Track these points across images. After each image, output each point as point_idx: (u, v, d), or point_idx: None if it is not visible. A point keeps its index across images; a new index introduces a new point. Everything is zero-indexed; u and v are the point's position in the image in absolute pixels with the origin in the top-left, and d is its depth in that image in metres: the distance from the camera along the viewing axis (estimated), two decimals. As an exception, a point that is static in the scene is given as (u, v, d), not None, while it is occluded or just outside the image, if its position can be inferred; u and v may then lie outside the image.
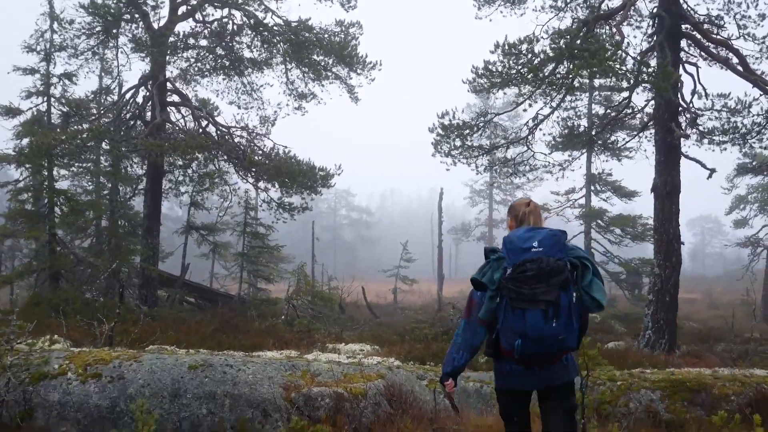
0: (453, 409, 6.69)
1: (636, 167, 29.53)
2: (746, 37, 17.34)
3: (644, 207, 27.74)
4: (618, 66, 14.01)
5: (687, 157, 16.97)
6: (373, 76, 21.20)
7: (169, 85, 21.60)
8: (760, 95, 16.82)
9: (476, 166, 19.35)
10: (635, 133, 19.70)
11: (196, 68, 22.28)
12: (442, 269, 42.44)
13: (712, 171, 16.88)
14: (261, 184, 22.10)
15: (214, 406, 7.01)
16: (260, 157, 20.16)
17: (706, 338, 18.59)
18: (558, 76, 14.70)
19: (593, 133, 19.89)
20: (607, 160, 28.22)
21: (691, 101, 17.07)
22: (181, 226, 25.43)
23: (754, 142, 18.33)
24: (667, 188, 15.97)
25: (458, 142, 18.16)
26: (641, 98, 18.67)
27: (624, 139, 22.53)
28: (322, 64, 21.26)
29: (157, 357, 7.76)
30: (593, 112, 26.66)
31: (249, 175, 20.86)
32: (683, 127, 15.70)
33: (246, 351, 13.66)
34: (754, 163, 36.99)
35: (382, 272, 41.91)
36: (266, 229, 24.63)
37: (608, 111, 19.81)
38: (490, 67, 15.33)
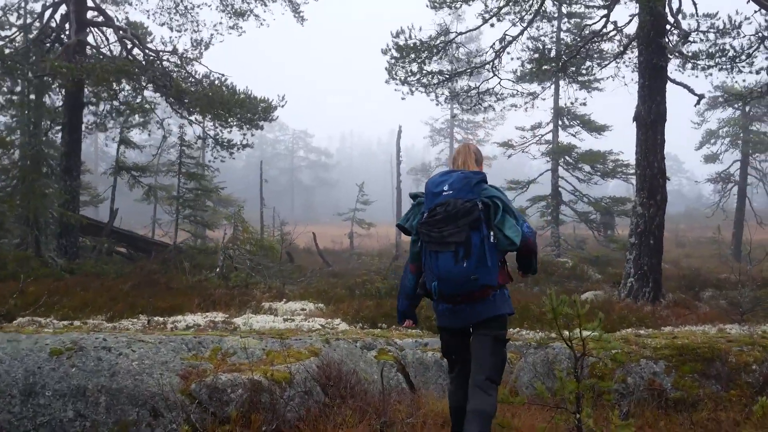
0: (409, 388, 6.53)
1: (606, 99, 27.67)
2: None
3: (615, 142, 25.92)
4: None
5: (674, 81, 14.99)
6: (320, -12, 18.73)
7: (90, 2, 18.88)
8: (754, 12, 14.76)
9: (436, 95, 17.22)
10: (613, 57, 17.55)
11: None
12: (401, 211, 40.39)
13: (701, 97, 14.99)
14: (195, 118, 19.65)
15: (84, 405, 4.91)
16: (190, 85, 17.60)
17: (690, 284, 16.86)
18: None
19: (564, 58, 17.71)
20: (577, 91, 26.10)
21: (675, 20, 14.99)
22: (110, 167, 22.91)
23: (744, 66, 16.36)
24: (651, 116, 14.00)
25: (415, 67, 15.94)
26: (622, 16, 16.48)
27: (595, 68, 20.49)
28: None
29: (9, 338, 5.58)
30: (562, 41, 24.41)
31: (180, 106, 18.33)
32: (673, 49, 13.62)
33: (163, 314, 11.58)
34: (724, 96, 35.53)
35: (338, 216, 39.74)
36: (203, 168, 22.13)
37: (584, 32, 17.57)
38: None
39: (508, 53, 16.50)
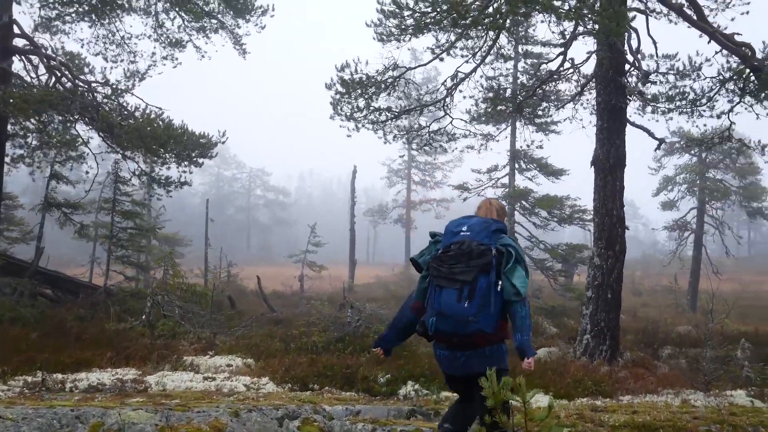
0: None
1: (563, 142, 27.03)
2: (702, -16, 14.62)
3: (572, 187, 25.18)
4: (560, 4, 10.95)
5: (633, 124, 14.22)
6: (264, 23, 17.66)
7: (17, 29, 17.60)
8: (714, 54, 14.08)
9: (384, 133, 16.18)
10: (570, 98, 16.76)
11: (55, 11, 18.22)
12: (354, 254, 39.30)
13: (662, 141, 14.24)
14: (131, 153, 18.35)
15: None
16: (122, 118, 16.31)
17: (649, 340, 15.90)
18: (486, 14, 11.54)
19: (520, 98, 16.89)
20: (533, 134, 25.36)
21: (635, 59, 14.26)
22: (39, 202, 21.43)
23: (704, 110, 15.68)
24: (610, 160, 13.15)
25: (362, 103, 14.95)
26: (580, 55, 15.70)
27: (552, 109, 19.76)
28: (205, 7, 17.51)
29: None
30: (519, 80, 23.70)
31: (112, 140, 17.02)
32: (633, 89, 12.81)
33: (66, 370, 10.19)
34: (682, 142, 35.28)
35: (288, 258, 38.41)
36: (142, 206, 20.75)
37: (540, 71, 16.78)
38: (400, 2, 12.15)
39: (461, 91, 15.65)
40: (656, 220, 77.65)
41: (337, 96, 14.44)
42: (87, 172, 19.39)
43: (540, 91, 17.31)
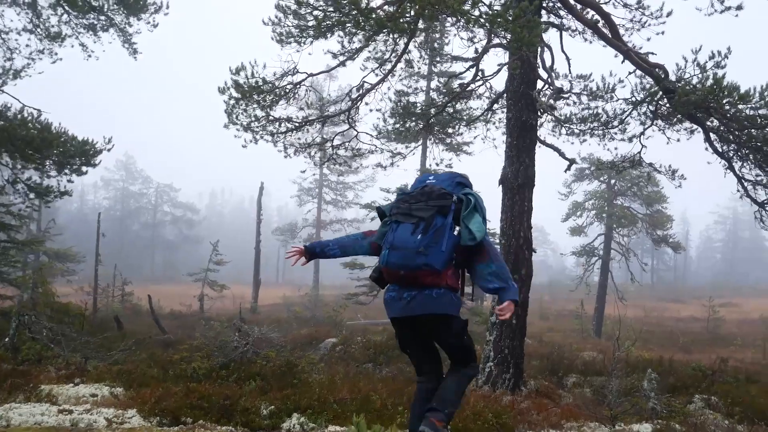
0: None
1: (475, 164, 26.54)
2: (616, 3, 14.23)
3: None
4: (470, 8, 10.18)
5: (544, 143, 13.62)
6: (156, 20, 16.36)
7: None
8: (628, 74, 13.65)
9: (284, 146, 15.13)
10: (481, 112, 16.09)
11: None
12: (259, 274, 37.86)
13: (572, 161, 13.64)
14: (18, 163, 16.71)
15: None
16: None
17: (554, 367, 15.27)
18: (391, 15, 10.67)
19: (431, 113, 16.12)
20: (443, 152, 24.65)
21: (549, 75, 13.71)
22: None
23: (616, 133, 15.29)
24: (519, 179, 12.44)
25: (259, 112, 13.88)
26: (493, 69, 15.05)
27: (463, 128, 19.11)
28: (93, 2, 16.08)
29: None
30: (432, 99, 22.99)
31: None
32: (544, 103, 12.17)
33: None
34: (591, 169, 35.50)
35: (188, 276, 36.71)
36: (16, 218, 18.96)
37: (451, 85, 16.04)
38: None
39: (367, 104, 14.75)
40: (565, 246, 78.88)
41: (232, 102, 13.33)
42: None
43: (451, 109, 16.63)
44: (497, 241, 13.27)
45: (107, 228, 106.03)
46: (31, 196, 17.42)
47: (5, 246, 18.70)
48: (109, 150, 16.86)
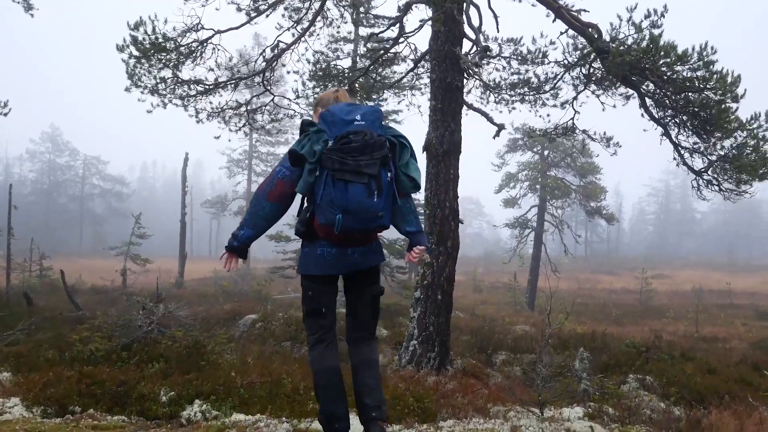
0: None
1: (404, 132, 25.62)
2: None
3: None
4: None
5: (471, 107, 12.86)
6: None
7: None
8: (560, 34, 12.94)
9: (196, 111, 14.05)
10: (403, 76, 15.21)
11: None
12: (185, 247, 36.53)
13: (501, 127, 12.86)
14: None
15: None
16: None
17: (483, 344, 14.61)
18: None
19: (356, 78, 15.18)
20: None
21: (477, 36, 12.90)
22: None
23: (548, 99, 14.66)
24: (444, 146, 11.62)
25: (165, 72, 12.76)
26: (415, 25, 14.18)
27: (390, 95, 18.24)
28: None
29: None
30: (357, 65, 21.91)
31: None
32: (469, 61, 11.31)
33: None
34: (525, 140, 35.13)
35: (110, 250, 35.15)
36: None
37: (372, 44, 15.06)
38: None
39: (284, 66, 13.73)
40: (500, 218, 79.15)
41: (133, 62, 12.16)
42: None
43: (375, 75, 15.74)
44: (421, 211, 12.50)
45: (33, 201, 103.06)
46: None
47: None
48: (5, 115, 15.51)
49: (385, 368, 11.59)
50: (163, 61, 12.11)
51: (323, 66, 14.56)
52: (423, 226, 11.92)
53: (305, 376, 9.05)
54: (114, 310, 20.57)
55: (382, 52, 14.63)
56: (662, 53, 10.75)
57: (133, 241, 32.99)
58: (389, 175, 4.08)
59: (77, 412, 7.49)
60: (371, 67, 14.92)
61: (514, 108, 15.15)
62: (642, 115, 13.00)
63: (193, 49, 12.23)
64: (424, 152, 11.89)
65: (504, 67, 14.52)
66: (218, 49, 12.58)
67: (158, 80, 12.77)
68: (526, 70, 14.33)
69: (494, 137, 13.19)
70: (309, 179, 4.03)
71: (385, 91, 17.00)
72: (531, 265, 34.84)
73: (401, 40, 13.42)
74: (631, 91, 13.20)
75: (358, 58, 20.89)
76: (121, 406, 7.76)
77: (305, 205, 4.23)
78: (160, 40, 11.62)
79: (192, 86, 13.08)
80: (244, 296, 27.51)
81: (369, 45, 15.61)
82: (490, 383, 11.38)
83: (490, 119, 12.63)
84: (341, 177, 3.94)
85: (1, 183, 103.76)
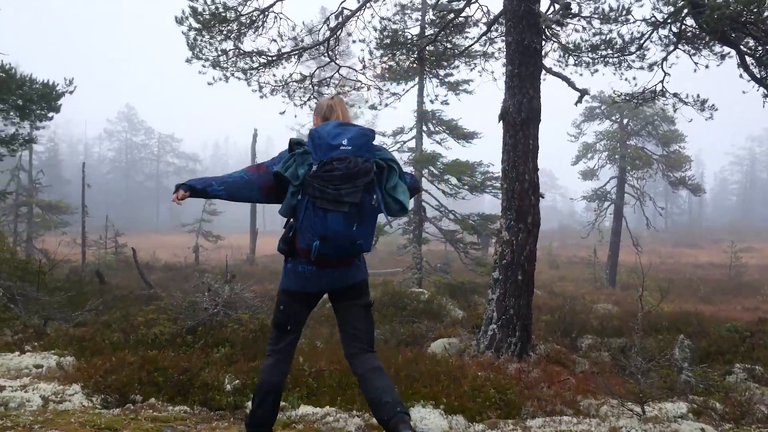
0: None
1: (476, 103, 24.63)
2: None
3: (485, 152, 22.92)
4: None
5: (550, 71, 11.87)
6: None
7: None
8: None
9: (259, 85, 13.43)
10: (475, 40, 14.22)
11: None
12: (256, 224, 36.34)
13: (584, 92, 11.90)
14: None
15: None
16: None
17: (566, 327, 13.68)
18: None
19: (424, 42, 14.33)
20: (437, 87, 22.56)
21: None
22: None
23: (634, 60, 13.53)
24: (522, 113, 10.69)
25: (228, 44, 12.17)
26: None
27: (461, 63, 17.29)
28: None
29: None
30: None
31: None
32: (549, 19, 10.32)
33: None
34: (603, 108, 33.64)
35: (182, 227, 35.30)
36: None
37: (442, 9, 14.11)
38: None
39: (350, 34, 12.99)
40: (575, 190, 77.12)
41: (193, 34, 11.60)
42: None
43: (446, 41, 14.85)
44: (499, 185, 11.63)
45: (112, 179, 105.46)
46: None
47: (-32, 198, 17.22)
48: (71, 92, 15.28)
49: (462, 354, 10.83)
50: (224, 32, 11.48)
51: (390, 33, 13.71)
52: (501, 200, 11.15)
53: (377, 364, 8.39)
54: (185, 287, 20.38)
55: (452, 16, 13.73)
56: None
57: (204, 218, 33.02)
58: (375, 198, 4.04)
59: (138, 402, 6.99)
60: (441, 33, 14.03)
61: (596, 71, 14.07)
62: (740, 75, 11.80)
63: (254, 18, 11.58)
64: (500, 121, 10.99)
65: (584, 28, 13.46)
66: (280, 18, 11.90)
67: (219, 52, 12.20)
68: (609, 30, 13.24)
69: (576, 103, 12.23)
70: (292, 202, 4.06)
71: (455, 59, 16.10)
72: (611, 239, 33.38)
73: (472, 1, 12.46)
74: (727, 50, 12.01)
75: (426, 24, 19.97)
76: (183, 396, 7.22)
77: (290, 222, 4.18)
78: (220, 9, 10.98)
79: (254, 58, 12.47)
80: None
81: (437, 10, 14.73)
82: (576, 371, 10.54)
83: (571, 84, 11.66)
84: (321, 205, 3.91)
85: (81, 163, 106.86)
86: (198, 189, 4.22)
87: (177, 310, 11.23)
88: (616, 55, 13.51)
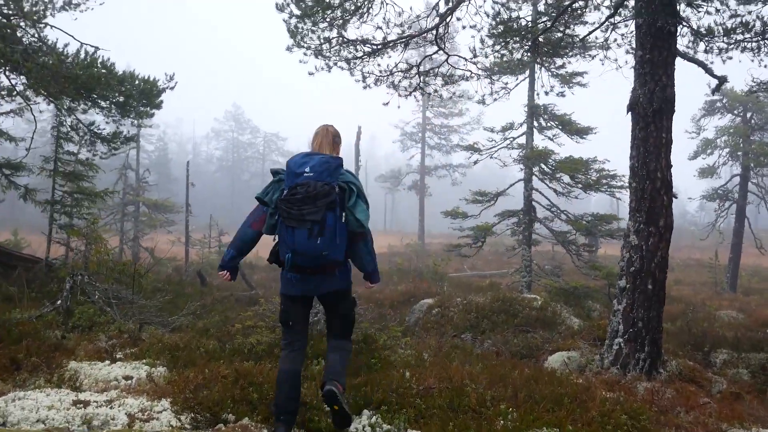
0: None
1: (591, 96, 23.35)
2: None
3: (598, 148, 21.65)
4: None
5: (684, 56, 10.68)
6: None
7: None
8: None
9: (363, 75, 12.78)
10: (602, 22, 13.06)
11: None
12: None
13: (723, 80, 10.69)
14: (67, 103, 15.08)
15: None
16: (27, 53, 12.76)
17: (697, 340, 12.43)
18: None
19: (539, 29, 13.32)
20: (551, 78, 21.31)
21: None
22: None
23: (777, 45, 12.16)
24: (654, 104, 9.60)
25: (331, 32, 11.55)
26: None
27: (577, 52, 16.16)
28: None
29: None
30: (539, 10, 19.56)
31: (31, 83, 13.60)
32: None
33: None
34: (724, 101, 31.63)
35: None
36: (84, 167, 17.35)
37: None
38: None
39: (459, 20, 12.16)
40: (685, 188, 73.60)
41: (294, 21, 11.02)
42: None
43: (563, 28, 13.81)
44: (627, 183, 10.56)
45: (219, 178, 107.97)
46: (97, 143, 15.90)
47: (77, 197, 17.24)
48: (172, 88, 15.05)
49: (584, 370, 9.84)
50: (327, 19, 10.86)
51: (504, 19, 12.78)
52: (630, 201, 10.08)
53: (492, 382, 7.54)
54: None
55: (569, 1, 12.70)
56: None
57: (308, 217, 32.72)
58: (340, 215, 4.85)
59: (230, 422, 6.34)
60: (558, 19, 13.02)
61: (729, 58, 12.76)
62: None
63: (359, 4, 10.88)
64: (629, 112, 9.94)
65: (717, 10, 12.19)
66: (386, 4, 11.18)
67: (322, 40, 11.60)
68: (749, 12, 11.93)
69: (713, 92, 11.03)
70: (271, 221, 5.05)
71: (572, 48, 15.02)
72: (732, 241, 31.19)
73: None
74: None
75: (540, 10, 18.86)
76: None
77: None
78: (327, -3, 10.35)
79: (359, 46, 11.80)
80: (419, 274, 26.33)
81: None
82: (713, 391, 9.39)
83: (709, 70, 10.47)
84: (288, 224, 4.79)
85: (194, 163, 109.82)
86: (230, 267, 5.35)
87: (275, 317, 10.66)
88: (755, 40, 12.19)
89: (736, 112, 32.24)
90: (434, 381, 7.40)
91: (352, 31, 11.66)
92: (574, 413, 6.71)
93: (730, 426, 7.33)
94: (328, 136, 5.43)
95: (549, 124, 22.82)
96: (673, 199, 9.95)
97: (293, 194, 4.77)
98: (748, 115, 31.87)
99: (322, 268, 4.94)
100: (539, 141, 23.05)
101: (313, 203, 4.69)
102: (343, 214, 4.84)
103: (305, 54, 11.67)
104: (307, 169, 4.85)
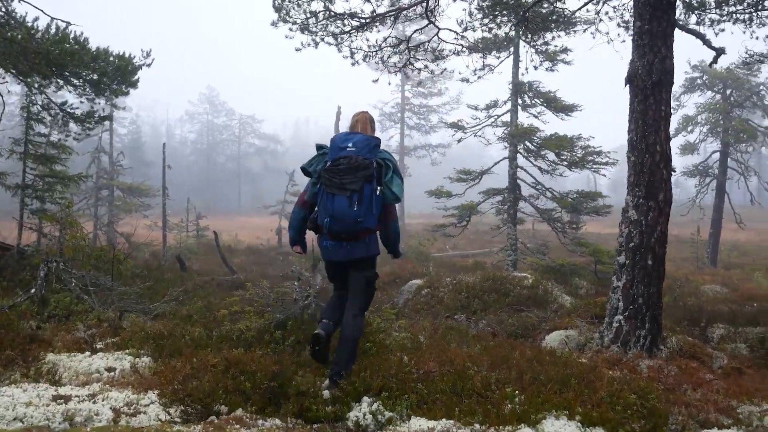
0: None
1: (575, 73, 23.11)
2: None
3: (583, 125, 21.42)
4: None
5: (682, 27, 10.42)
6: None
7: None
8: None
9: (351, 51, 12.39)
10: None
11: None
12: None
13: (720, 51, 10.43)
14: (37, 81, 14.51)
15: None
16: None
17: (694, 317, 12.25)
18: None
19: (530, 6, 12.98)
20: (535, 54, 20.94)
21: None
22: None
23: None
24: (653, 76, 9.33)
25: (318, 5, 11.13)
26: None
27: (562, 29, 15.85)
28: None
29: None
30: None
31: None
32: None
33: None
34: (704, 78, 31.61)
35: (264, 209, 34.72)
36: (57, 149, 16.75)
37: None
38: None
39: (450, -6, 11.78)
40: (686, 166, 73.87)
41: (281, -6, 10.60)
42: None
43: (552, 0, 13.49)
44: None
45: (194, 162, 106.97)
46: (70, 124, 15.33)
47: (49, 181, 16.66)
48: (149, 65, 14.51)
49: (583, 349, 9.60)
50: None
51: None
52: (628, 175, 9.81)
53: (494, 364, 7.24)
54: (270, 273, 19.61)
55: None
56: None
57: (287, 199, 32.33)
58: (375, 187, 5.51)
59: (223, 414, 5.92)
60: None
61: (722, 30, 12.55)
62: None
63: (346, -24, 10.49)
64: (628, 85, 9.65)
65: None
66: (374, -26, 10.79)
67: (308, 14, 11.19)
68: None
69: (711, 65, 10.75)
70: (313, 190, 5.80)
71: (561, 23, 14.71)
72: (712, 216, 31.29)
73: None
74: None
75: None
76: (275, 405, 6.11)
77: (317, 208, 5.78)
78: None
79: (346, 20, 11.40)
80: (402, 255, 26.04)
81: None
82: (714, 366, 9.20)
83: (707, 42, 10.21)
84: (330, 191, 5.47)
85: (169, 146, 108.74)
86: (297, 244, 6.18)
87: (263, 301, 10.22)
88: (747, 11, 11.97)
89: (716, 89, 32.22)
90: (434, 364, 7.10)
91: (340, 4, 11.28)
92: (583, 394, 6.43)
93: (740, 403, 7.10)
94: (367, 122, 6.10)
95: (534, 102, 22.53)
96: (673, 173, 9.70)
97: (336, 165, 5.46)
98: (728, 92, 31.86)
99: (354, 235, 5.56)
100: (524, 119, 22.78)
101: (354, 174, 5.36)
102: (379, 187, 5.48)
103: (291, 29, 11.29)
104: (350, 145, 5.54)
